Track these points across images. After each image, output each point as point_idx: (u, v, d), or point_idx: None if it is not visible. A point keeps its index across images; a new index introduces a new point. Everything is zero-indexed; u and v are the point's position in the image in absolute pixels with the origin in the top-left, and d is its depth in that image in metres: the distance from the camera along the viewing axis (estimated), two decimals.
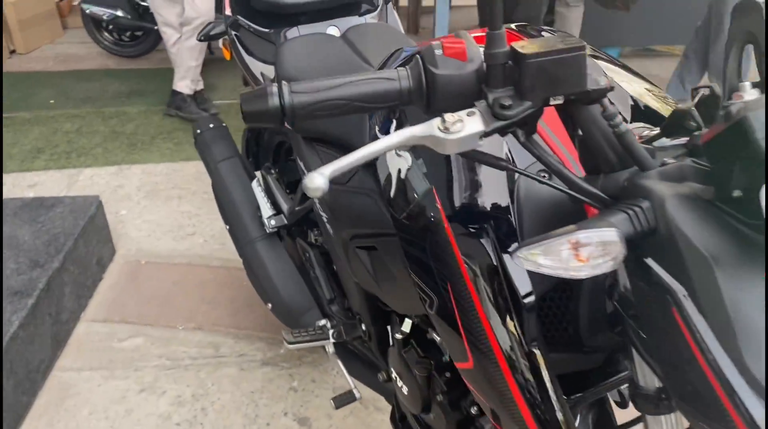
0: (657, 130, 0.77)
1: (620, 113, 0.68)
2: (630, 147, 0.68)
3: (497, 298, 0.81)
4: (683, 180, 0.66)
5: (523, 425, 0.83)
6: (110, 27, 4.52)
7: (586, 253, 0.62)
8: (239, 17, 1.62)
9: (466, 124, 0.63)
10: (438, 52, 0.67)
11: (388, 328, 1.45)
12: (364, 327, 1.47)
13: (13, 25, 4.64)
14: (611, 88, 0.67)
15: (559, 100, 0.65)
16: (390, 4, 1.72)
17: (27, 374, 1.90)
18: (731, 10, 0.75)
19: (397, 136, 0.65)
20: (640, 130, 0.83)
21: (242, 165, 1.86)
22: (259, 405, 1.92)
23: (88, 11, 4.31)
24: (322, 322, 1.61)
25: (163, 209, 2.90)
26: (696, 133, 0.72)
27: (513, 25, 1.16)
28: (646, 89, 0.99)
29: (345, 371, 1.57)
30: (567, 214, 0.85)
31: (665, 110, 0.97)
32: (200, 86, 3.79)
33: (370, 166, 1.27)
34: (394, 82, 0.68)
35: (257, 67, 1.57)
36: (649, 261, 0.65)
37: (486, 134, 0.64)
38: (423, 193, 0.88)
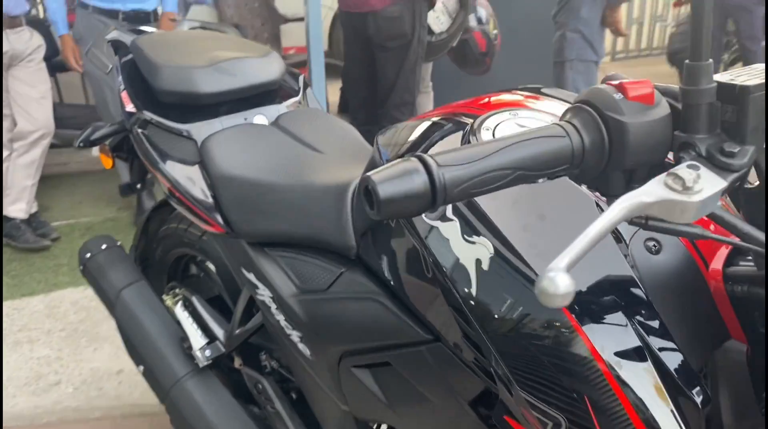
0: None
1: None
2: None
3: (657, 402, 0.64)
4: None
5: None
6: None
7: None
8: (146, 113, 1.35)
9: (704, 180, 0.48)
10: (618, 96, 0.51)
11: None
12: None
13: None
14: None
15: None
16: (310, 89, 1.56)
17: None
18: None
19: (622, 207, 0.48)
20: None
21: (152, 289, 1.53)
22: None
23: None
24: None
25: (11, 359, 2.36)
26: None
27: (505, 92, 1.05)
28: None
29: None
30: (690, 283, 0.72)
31: None
32: (35, 208, 3.29)
33: (358, 265, 1.07)
34: (564, 138, 0.51)
35: (176, 170, 1.31)
36: None
37: (725, 191, 0.49)
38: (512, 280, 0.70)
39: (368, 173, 0.49)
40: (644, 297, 0.68)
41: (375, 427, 1.19)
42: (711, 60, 0.52)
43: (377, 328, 1.00)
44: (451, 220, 0.78)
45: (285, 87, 1.52)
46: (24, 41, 3.11)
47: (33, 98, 3.15)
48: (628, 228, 0.74)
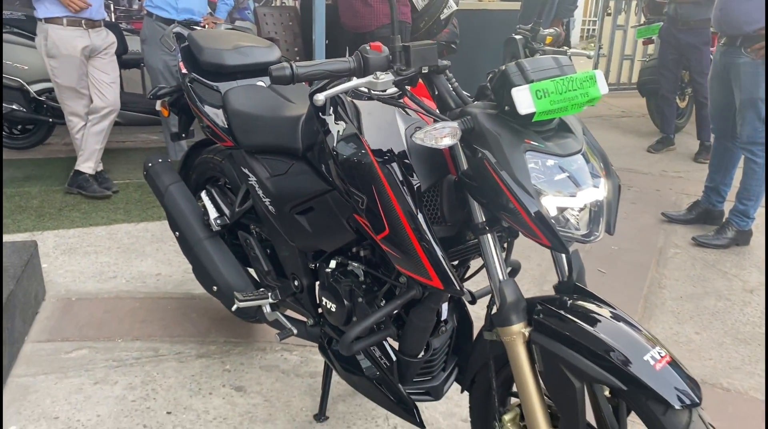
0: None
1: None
2: (460, 94, 1.42)
3: (401, 186, 1.48)
4: (485, 107, 1.40)
5: (421, 263, 1.48)
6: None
7: (444, 133, 1.32)
8: (193, 74, 2.26)
9: (385, 77, 1.34)
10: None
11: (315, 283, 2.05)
12: (296, 283, 2.06)
13: None
14: (448, 65, 1.41)
15: (425, 70, 1.38)
16: None
17: None
18: (504, 42, 1.56)
19: (354, 83, 1.34)
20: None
21: (186, 187, 2.42)
22: (200, 382, 2.37)
23: None
24: (262, 289, 2.17)
25: (82, 262, 3.28)
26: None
27: None
28: None
29: (281, 317, 2.12)
30: (434, 152, 1.56)
31: None
32: (101, 167, 4.24)
33: (303, 159, 1.92)
34: (346, 63, 1.37)
35: (209, 109, 2.20)
36: (476, 146, 1.36)
37: (395, 82, 1.35)
38: (353, 140, 1.56)
39: (271, 67, 1.34)
40: (405, 150, 1.51)
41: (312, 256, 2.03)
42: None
43: (307, 189, 1.85)
44: (331, 115, 1.64)
45: None
46: (102, 38, 4.08)
47: (105, 82, 4.12)
48: (405, 122, 1.57)
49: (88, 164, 4.13)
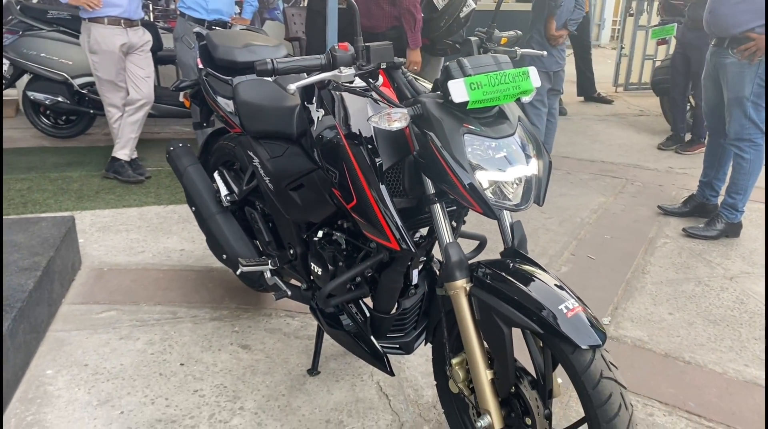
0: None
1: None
2: (414, 86, 1.70)
3: (366, 163, 1.76)
4: (435, 97, 1.67)
5: (381, 227, 1.76)
6: (47, 112, 5.31)
7: (395, 117, 1.60)
8: (209, 69, 2.58)
9: (348, 71, 1.62)
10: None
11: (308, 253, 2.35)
12: (291, 252, 2.36)
13: None
14: (403, 62, 1.69)
15: (384, 66, 1.66)
16: None
17: (33, 327, 2.57)
18: (461, 43, 1.83)
19: (321, 76, 1.62)
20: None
21: (203, 168, 2.75)
22: (212, 341, 2.69)
23: (32, 97, 5.09)
24: (263, 256, 2.47)
25: (115, 238, 3.64)
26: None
27: None
28: None
29: (279, 281, 2.43)
30: (400, 133, 1.84)
31: None
32: (135, 155, 4.62)
33: (297, 143, 2.23)
34: (319, 60, 1.66)
35: (221, 100, 2.52)
36: (425, 131, 1.64)
37: (356, 75, 1.63)
38: (331, 125, 1.85)
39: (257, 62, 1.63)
40: (371, 133, 1.79)
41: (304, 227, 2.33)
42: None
43: (299, 168, 2.15)
44: (313, 104, 1.93)
45: None
46: (138, 36, 4.45)
47: (141, 76, 4.49)
48: (374, 110, 1.85)
49: (123, 151, 4.52)
